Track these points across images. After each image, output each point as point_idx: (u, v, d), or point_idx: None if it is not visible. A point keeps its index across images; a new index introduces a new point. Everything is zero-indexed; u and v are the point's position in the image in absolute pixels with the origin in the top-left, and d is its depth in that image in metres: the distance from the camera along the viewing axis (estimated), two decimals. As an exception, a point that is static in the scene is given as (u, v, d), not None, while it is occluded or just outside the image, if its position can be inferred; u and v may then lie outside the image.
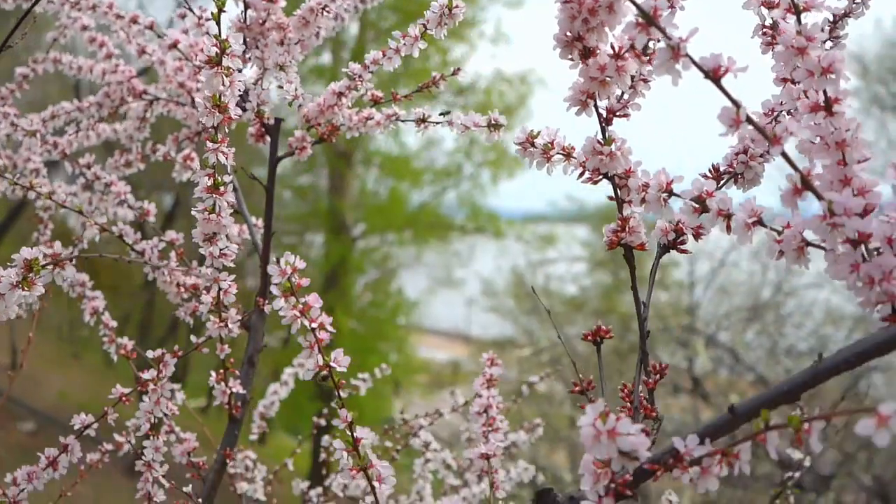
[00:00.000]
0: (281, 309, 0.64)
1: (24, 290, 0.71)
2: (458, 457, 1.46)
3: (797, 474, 1.11)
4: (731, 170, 0.72)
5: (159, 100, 1.25)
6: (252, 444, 1.79)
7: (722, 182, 0.72)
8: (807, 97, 0.58)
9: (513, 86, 10.27)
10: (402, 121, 1.00)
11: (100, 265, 1.13)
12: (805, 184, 0.53)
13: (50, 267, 0.70)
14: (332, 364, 0.65)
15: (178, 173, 1.26)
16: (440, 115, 0.98)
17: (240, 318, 0.95)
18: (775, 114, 0.72)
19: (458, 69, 1.03)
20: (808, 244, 0.57)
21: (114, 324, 1.14)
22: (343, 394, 0.69)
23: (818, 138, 0.57)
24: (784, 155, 0.53)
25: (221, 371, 1.00)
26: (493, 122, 0.85)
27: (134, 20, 1.14)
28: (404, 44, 0.91)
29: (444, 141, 11.93)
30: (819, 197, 0.53)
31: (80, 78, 1.28)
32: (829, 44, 0.75)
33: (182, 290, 1.04)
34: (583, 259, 8.96)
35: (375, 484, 0.67)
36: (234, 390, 1.01)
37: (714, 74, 0.53)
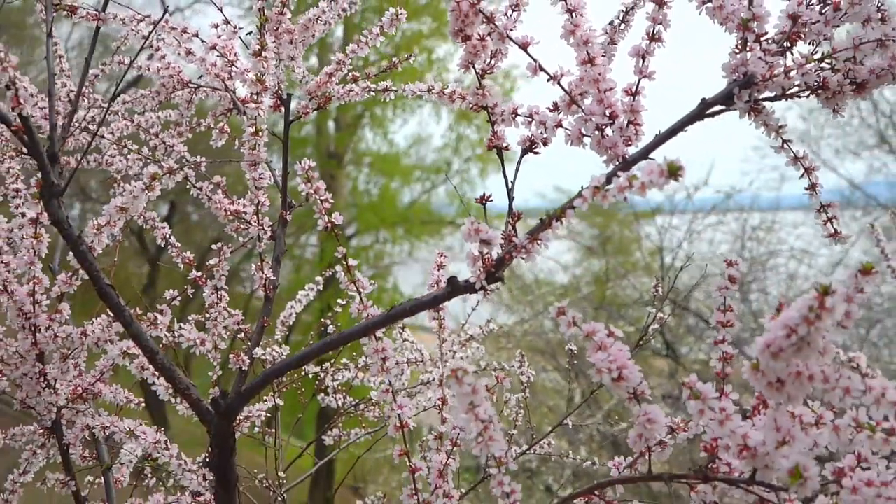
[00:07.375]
0: (301, 189, 1.13)
1: (148, 192, 1.20)
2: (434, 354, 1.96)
3: (654, 327, 1.60)
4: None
5: (201, 87, 1.75)
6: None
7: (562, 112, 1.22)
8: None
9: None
10: (374, 91, 1.50)
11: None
12: (572, 100, 1.03)
13: (167, 175, 1.20)
14: (333, 220, 1.15)
15: (215, 140, 1.75)
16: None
17: (271, 223, 1.45)
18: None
19: (411, 55, 1.54)
20: (583, 135, 1.07)
21: (178, 245, 1.63)
22: (343, 250, 1.19)
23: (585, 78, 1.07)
24: (561, 86, 1.03)
25: (259, 262, 1.50)
26: (430, 87, 1.34)
27: (184, 31, 1.64)
28: (372, 37, 1.43)
29: (432, 138, 12.41)
30: (579, 106, 1.03)
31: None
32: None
33: (227, 213, 1.54)
34: (567, 239, 9.42)
35: (361, 290, 1.16)
36: (268, 276, 1.51)
37: (523, 46, 1.03)
